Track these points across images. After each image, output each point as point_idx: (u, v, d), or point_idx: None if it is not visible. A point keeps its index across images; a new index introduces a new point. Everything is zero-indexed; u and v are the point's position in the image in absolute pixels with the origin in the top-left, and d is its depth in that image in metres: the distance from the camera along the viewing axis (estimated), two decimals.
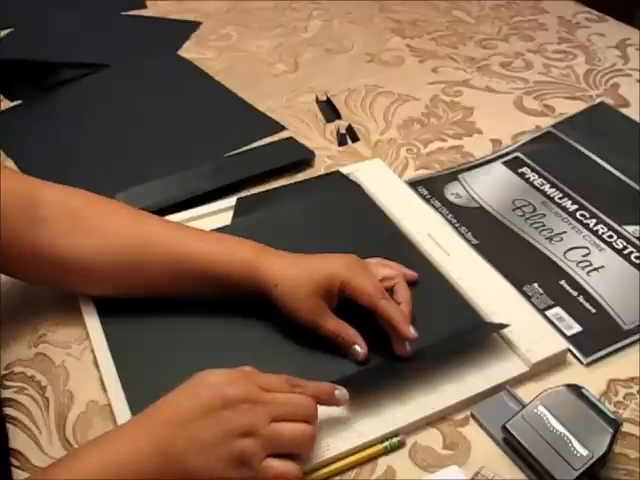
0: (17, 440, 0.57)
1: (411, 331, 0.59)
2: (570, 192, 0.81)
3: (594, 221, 0.77)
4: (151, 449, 0.48)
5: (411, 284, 0.66)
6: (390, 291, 0.63)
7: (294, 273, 0.61)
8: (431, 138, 0.91)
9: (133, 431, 0.50)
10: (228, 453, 0.49)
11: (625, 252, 0.73)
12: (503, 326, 0.62)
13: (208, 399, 0.50)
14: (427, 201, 0.80)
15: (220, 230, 0.71)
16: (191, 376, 0.52)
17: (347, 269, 0.61)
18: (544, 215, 0.78)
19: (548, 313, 0.67)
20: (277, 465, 0.50)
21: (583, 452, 0.52)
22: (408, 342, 0.60)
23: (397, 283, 0.64)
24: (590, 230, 0.76)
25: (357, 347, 0.60)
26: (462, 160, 0.87)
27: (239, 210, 0.76)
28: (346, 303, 0.61)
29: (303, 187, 0.81)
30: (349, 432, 0.56)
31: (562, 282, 0.70)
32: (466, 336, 0.62)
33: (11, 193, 0.59)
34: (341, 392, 0.55)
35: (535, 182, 0.83)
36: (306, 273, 0.60)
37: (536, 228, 0.76)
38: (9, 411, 0.59)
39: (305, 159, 0.86)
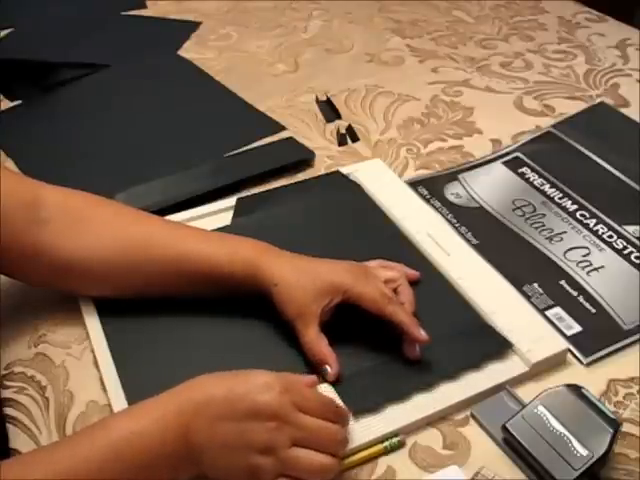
0: (17, 440, 0.57)
1: (422, 334, 0.59)
2: (570, 192, 0.81)
3: (594, 221, 0.77)
4: (177, 432, 0.48)
5: (412, 283, 0.66)
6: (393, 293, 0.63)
7: (295, 276, 0.60)
8: (431, 138, 0.91)
9: (163, 410, 0.50)
10: (243, 464, 0.49)
11: (625, 252, 0.73)
12: (509, 345, 0.62)
13: (240, 401, 0.49)
14: (427, 201, 0.80)
15: (220, 230, 0.72)
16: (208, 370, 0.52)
17: (350, 277, 0.61)
18: (544, 215, 0.78)
19: (548, 313, 0.67)
20: None
21: (583, 452, 0.52)
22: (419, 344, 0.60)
23: (400, 284, 0.64)
24: (590, 230, 0.76)
25: (327, 367, 0.58)
26: (462, 160, 0.87)
27: (239, 210, 0.76)
28: (346, 305, 0.61)
29: (303, 187, 0.81)
30: (349, 432, 0.55)
31: (562, 282, 0.70)
32: (470, 347, 0.62)
33: (12, 195, 0.59)
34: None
35: (535, 182, 0.83)
36: (308, 278, 0.60)
37: (536, 228, 0.76)
38: (9, 411, 0.59)
39: (305, 159, 0.86)
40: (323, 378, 0.59)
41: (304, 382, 0.55)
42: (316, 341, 0.59)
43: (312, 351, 0.59)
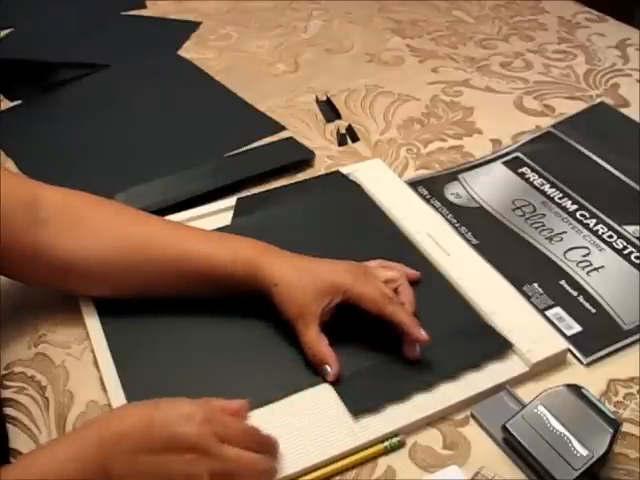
0: (17, 440, 0.57)
1: (422, 333, 0.59)
2: (570, 192, 0.81)
3: (594, 221, 0.77)
4: (96, 464, 0.48)
5: (413, 283, 0.66)
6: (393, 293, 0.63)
7: (296, 276, 0.60)
8: (431, 138, 0.91)
9: (81, 444, 0.49)
10: None
11: (625, 252, 0.73)
12: (509, 345, 0.62)
13: (159, 431, 0.49)
14: (427, 201, 0.80)
15: (220, 230, 0.72)
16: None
17: (350, 277, 0.61)
18: (544, 215, 0.78)
19: (548, 313, 0.67)
20: None
21: (583, 452, 0.52)
22: (419, 344, 0.60)
23: (400, 284, 0.64)
24: (590, 230, 0.76)
25: (327, 367, 0.58)
26: (462, 160, 0.87)
27: (239, 210, 0.76)
28: (346, 305, 0.61)
29: (303, 187, 0.81)
30: (349, 432, 0.56)
31: (562, 282, 0.70)
32: (470, 347, 0.62)
33: (11, 195, 0.59)
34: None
35: (535, 182, 0.83)
36: (308, 278, 0.60)
37: (536, 228, 0.76)
38: (9, 411, 0.59)
39: (305, 159, 0.86)
40: (323, 378, 0.59)
41: (230, 410, 0.54)
42: (316, 341, 0.59)
43: (312, 351, 0.59)
